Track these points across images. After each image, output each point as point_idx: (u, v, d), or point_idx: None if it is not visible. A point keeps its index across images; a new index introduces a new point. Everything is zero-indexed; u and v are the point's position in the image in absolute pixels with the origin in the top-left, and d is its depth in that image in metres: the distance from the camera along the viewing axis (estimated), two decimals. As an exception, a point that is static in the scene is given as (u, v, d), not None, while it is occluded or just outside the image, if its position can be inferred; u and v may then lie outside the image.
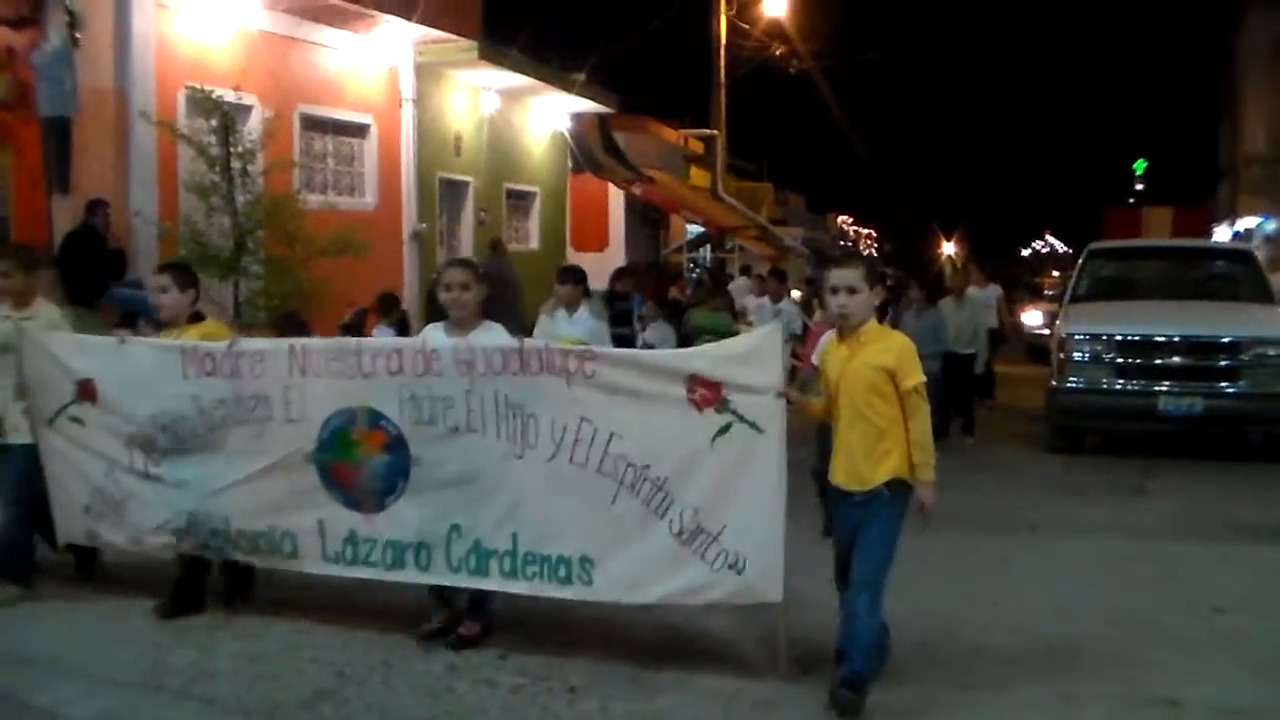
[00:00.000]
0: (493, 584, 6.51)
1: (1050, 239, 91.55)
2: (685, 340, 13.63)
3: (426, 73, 20.65)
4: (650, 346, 13.43)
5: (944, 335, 14.09)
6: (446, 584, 6.60)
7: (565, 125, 26.62)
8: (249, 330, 13.31)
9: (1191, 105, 73.38)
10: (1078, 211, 63.37)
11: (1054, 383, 13.96)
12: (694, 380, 5.99)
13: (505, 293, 15.81)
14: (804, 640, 6.25)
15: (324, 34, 18.06)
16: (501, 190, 24.12)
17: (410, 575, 6.65)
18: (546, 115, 25.82)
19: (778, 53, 36.28)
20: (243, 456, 6.94)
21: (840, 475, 5.89)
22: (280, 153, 15.80)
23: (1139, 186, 55.32)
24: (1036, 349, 23.92)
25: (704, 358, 6.20)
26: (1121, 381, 13.49)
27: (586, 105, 25.99)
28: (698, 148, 36.58)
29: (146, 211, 14.65)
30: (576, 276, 10.72)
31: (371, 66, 19.44)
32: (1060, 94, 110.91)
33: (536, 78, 23.01)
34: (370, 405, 6.59)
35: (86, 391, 7.30)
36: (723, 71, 34.61)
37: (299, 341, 6.99)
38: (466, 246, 22.58)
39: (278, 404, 6.80)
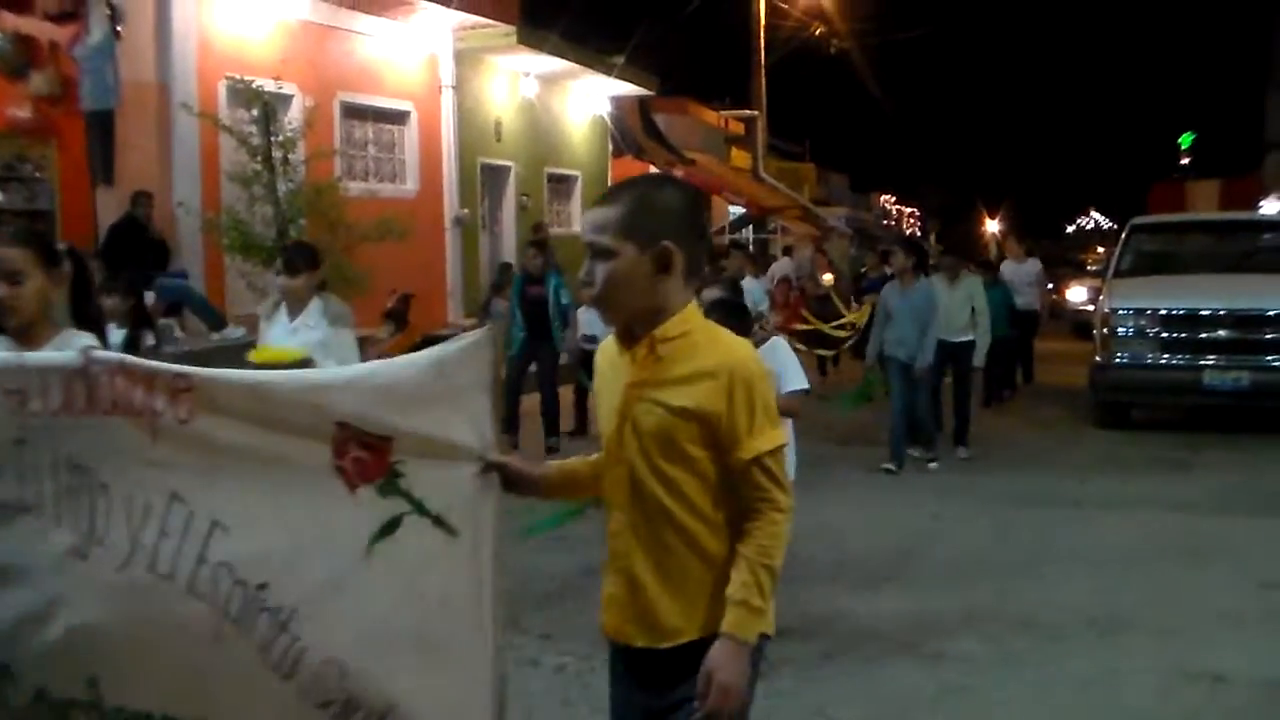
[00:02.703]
0: None
1: (1095, 215, 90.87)
2: None
3: (466, 59, 20.64)
4: (588, 354, 9.38)
5: (929, 317, 11.29)
6: None
7: (605, 109, 26.57)
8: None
9: (1237, 76, 72.55)
10: (1122, 188, 62.90)
11: (1098, 358, 13.90)
12: (344, 433, 3.30)
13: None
14: None
15: (362, 22, 18.11)
16: (543, 175, 24.10)
17: None
18: (587, 99, 25.78)
19: (817, 32, 36.18)
20: None
21: (612, 614, 3.15)
22: (321, 141, 15.85)
23: (1185, 161, 54.67)
24: (1081, 325, 23.74)
25: (361, 387, 3.35)
26: (1166, 356, 13.39)
27: (626, 88, 25.91)
28: (738, 129, 36.47)
29: (189, 202, 14.74)
30: (308, 259, 7.23)
31: (411, 54, 19.47)
32: (1102, 69, 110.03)
33: (576, 61, 22.98)
34: None
35: None
36: (762, 52, 34.54)
37: None
38: (509, 231, 22.64)
39: None
